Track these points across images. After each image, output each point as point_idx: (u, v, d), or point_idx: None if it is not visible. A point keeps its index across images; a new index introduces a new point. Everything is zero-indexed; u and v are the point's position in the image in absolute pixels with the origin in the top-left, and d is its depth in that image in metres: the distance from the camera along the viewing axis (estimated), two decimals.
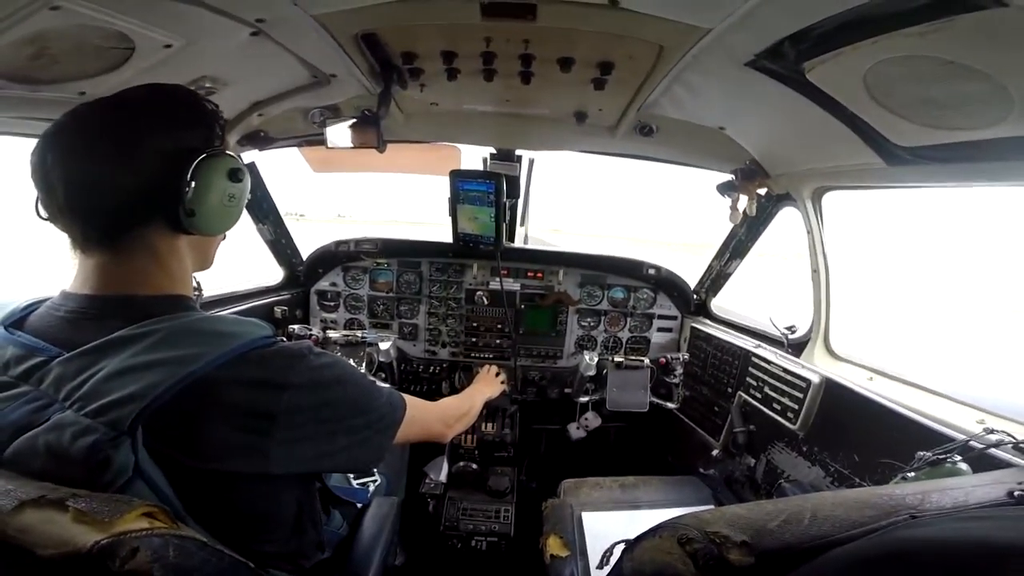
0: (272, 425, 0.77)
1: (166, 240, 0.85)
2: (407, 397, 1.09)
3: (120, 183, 0.78)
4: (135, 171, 0.78)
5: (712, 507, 1.99)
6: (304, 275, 2.73)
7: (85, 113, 0.80)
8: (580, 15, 1.12)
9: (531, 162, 2.50)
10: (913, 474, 1.15)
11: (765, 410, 1.98)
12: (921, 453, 1.16)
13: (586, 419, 2.49)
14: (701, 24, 1.08)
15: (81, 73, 1.17)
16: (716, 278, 2.63)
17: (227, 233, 0.98)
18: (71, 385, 0.70)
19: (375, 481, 1.87)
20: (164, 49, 1.16)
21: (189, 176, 0.80)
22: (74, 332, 0.76)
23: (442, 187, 2.30)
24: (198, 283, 2.06)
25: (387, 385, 2.32)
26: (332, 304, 2.77)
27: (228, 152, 0.88)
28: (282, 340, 0.86)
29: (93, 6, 0.94)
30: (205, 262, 0.98)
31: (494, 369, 2.26)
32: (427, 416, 1.30)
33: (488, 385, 2.06)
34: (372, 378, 2.28)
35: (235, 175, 0.88)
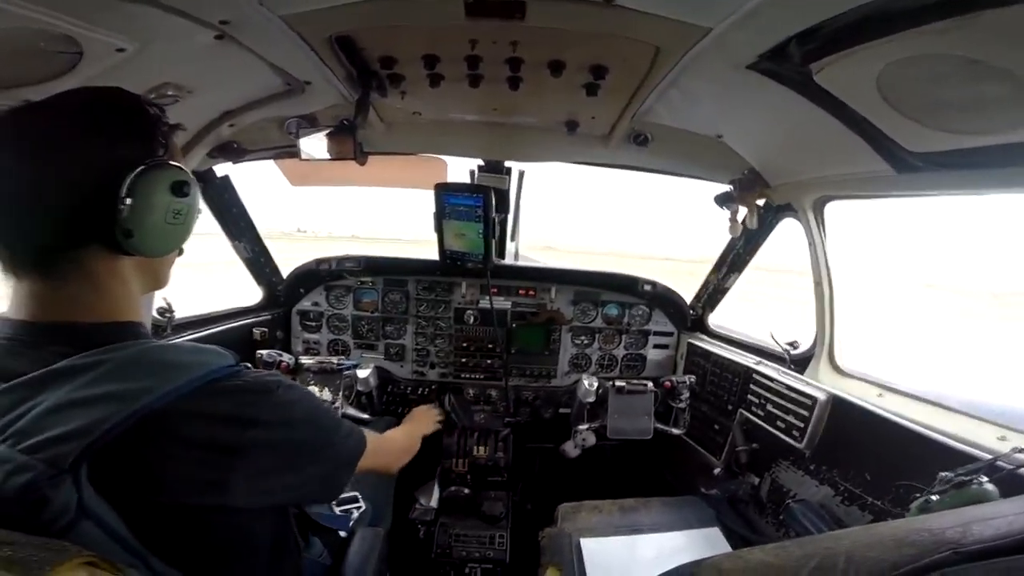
0: (235, 459, 0.73)
1: (105, 263, 0.77)
2: (365, 431, 1.08)
3: (45, 203, 0.70)
4: (62, 189, 0.70)
5: (714, 529, 1.97)
6: (284, 295, 2.64)
7: (5, 122, 0.72)
8: (572, 13, 1.05)
9: (521, 174, 2.42)
10: (937, 497, 1.11)
11: (769, 428, 1.94)
12: (944, 474, 1.12)
13: (582, 437, 2.42)
14: (700, 23, 1.02)
15: (23, 79, 1.09)
16: (713, 293, 2.57)
17: (183, 247, 0.90)
18: (7, 419, 0.64)
19: (359, 507, 1.78)
20: (117, 53, 1.08)
21: (124, 192, 0.72)
22: (10, 360, 0.70)
23: (408, 202, 2.21)
24: (168, 304, 1.96)
25: (354, 412, 2.25)
26: (315, 325, 2.69)
27: (173, 163, 0.79)
28: (246, 368, 0.81)
29: (31, 7, 0.87)
30: (157, 283, 0.90)
31: (433, 412, 2.20)
32: (382, 449, 1.37)
33: (425, 425, 2.07)
34: (343, 405, 2.21)
35: (180, 188, 0.79)
